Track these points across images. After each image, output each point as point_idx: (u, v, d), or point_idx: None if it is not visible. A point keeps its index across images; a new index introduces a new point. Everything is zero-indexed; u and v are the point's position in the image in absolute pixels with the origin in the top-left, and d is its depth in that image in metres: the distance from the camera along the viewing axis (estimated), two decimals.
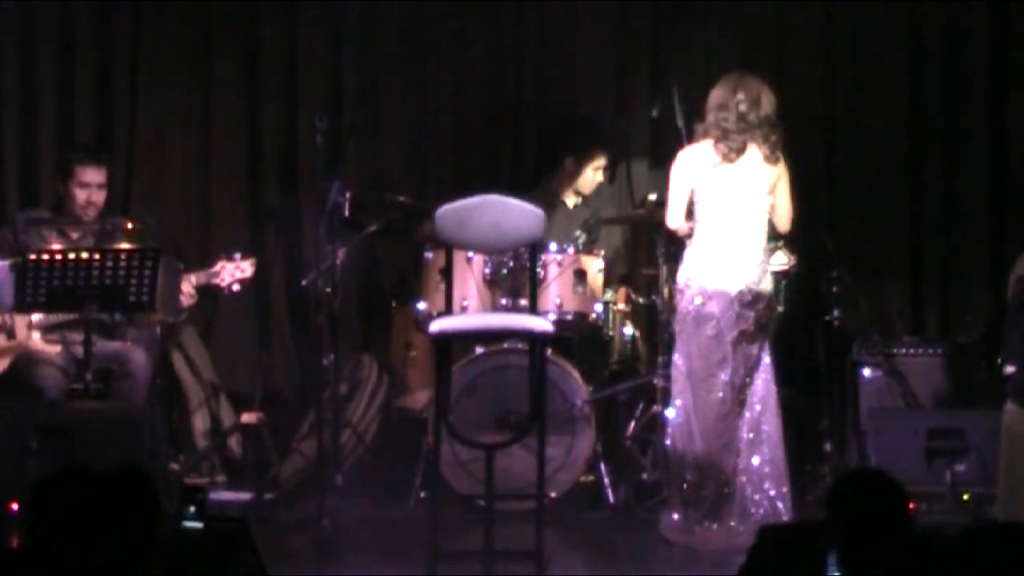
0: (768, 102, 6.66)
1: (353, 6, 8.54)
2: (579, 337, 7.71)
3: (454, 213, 6.37)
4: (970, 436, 7.09)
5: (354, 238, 7.60)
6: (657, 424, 7.26)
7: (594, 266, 7.49)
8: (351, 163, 7.54)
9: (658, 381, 7.32)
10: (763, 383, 6.69)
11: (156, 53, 8.43)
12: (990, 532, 4.00)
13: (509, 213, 6.40)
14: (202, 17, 8.48)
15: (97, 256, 6.61)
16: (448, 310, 6.58)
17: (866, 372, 7.73)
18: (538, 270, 6.84)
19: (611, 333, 7.80)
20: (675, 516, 6.66)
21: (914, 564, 3.69)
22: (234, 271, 7.40)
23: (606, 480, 7.33)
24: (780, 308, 7.26)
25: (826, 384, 7.89)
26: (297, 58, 8.54)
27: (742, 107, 6.63)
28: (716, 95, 6.71)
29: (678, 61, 8.41)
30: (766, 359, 6.71)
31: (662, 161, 7.64)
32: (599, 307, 7.50)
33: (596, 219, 8.02)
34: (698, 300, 6.63)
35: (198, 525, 4.27)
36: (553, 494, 7.04)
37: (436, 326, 6.33)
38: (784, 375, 6.95)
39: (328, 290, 7.11)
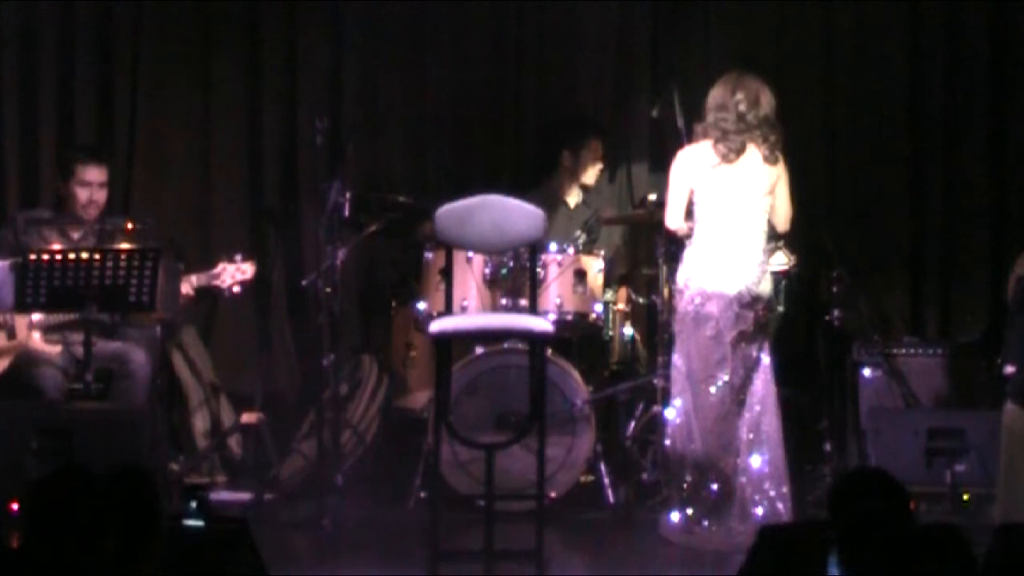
0: (767, 102, 6.65)
1: (353, 6, 8.53)
2: (579, 337, 7.71)
3: (454, 213, 6.37)
4: (970, 436, 7.08)
5: (354, 238, 7.60)
6: (657, 424, 7.25)
7: (594, 266, 7.49)
8: (351, 163, 7.54)
9: (658, 381, 7.32)
10: (762, 383, 6.69)
11: (156, 53, 8.43)
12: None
13: (509, 213, 6.40)
14: (202, 17, 8.48)
15: (97, 256, 6.61)
16: (448, 310, 6.58)
17: (866, 372, 7.72)
18: (538, 270, 6.84)
19: (611, 333, 7.80)
20: (675, 516, 6.66)
21: (914, 564, 3.69)
22: (234, 273, 7.41)
23: (606, 480, 7.33)
24: (780, 308, 7.27)
25: (826, 384, 7.89)
26: (297, 58, 8.54)
27: (741, 107, 6.63)
28: (715, 95, 6.71)
29: (678, 61, 8.41)
30: (765, 359, 6.71)
31: (662, 161, 7.64)
32: (599, 307, 7.50)
33: (596, 219, 8.03)
34: (697, 300, 6.63)
35: (199, 523, 4.27)
36: (553, 494, 7.04)
37: (436, 326, 6.33)
38: (784, 375, 6.95)
39: (328, 290, 7.12)
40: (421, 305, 7.47)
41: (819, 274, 7.84)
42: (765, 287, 6.69)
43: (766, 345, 6.72)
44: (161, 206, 8.26)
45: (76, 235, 7.42)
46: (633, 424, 7.61)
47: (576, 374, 7.31)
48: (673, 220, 6.77)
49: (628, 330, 7.90)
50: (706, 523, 6.60)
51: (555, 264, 7.37)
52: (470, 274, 7.33)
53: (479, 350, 7.33)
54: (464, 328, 6.71)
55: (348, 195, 7.22)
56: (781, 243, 7.14)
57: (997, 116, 8.48)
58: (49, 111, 8.36)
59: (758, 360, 6.69)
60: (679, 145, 6.94)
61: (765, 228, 6.69)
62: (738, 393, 6.63)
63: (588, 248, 7.65)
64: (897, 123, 8.54)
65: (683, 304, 6.68)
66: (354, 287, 8.30)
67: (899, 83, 8.52)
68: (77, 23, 8.38)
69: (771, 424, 6.67)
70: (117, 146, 8.33)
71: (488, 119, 8.68)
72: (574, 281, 7.40)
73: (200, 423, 8.03)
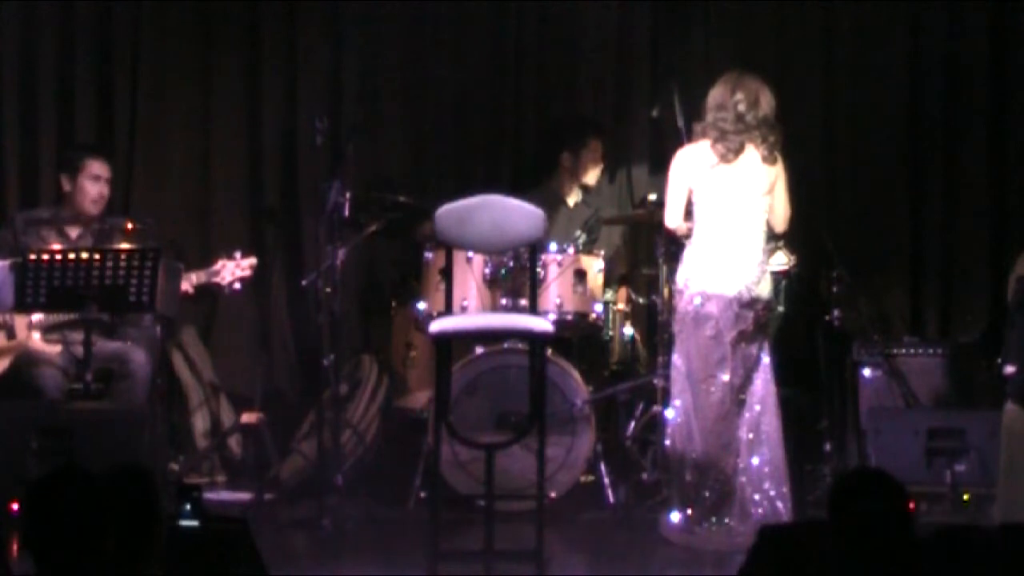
0: (767, 102, 6.65)
1: (353, 6, 8.54)
2: (579, 337, 7.71)
3: (454, 213, 6.37)
4: (970, 436, 7.08)
5: (354, 238, 7.60)
6: (657, 424, 7.25)
7: (594, 266, 7.49)
8: (351, 163, 7.54)
9: (658, 381, 7.32)
10: (762, 383, 6.69)
11: (156, 53, 8.44)
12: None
13: (509, 213, 6.40)
14: (202, 17, 8.48)
15: (97, 256, 6.61)
16: (448, 310, 6.58)
17: (866, 372, 7.72)
18: (538, 270, 6.84)
19: (611, 333, 7.80)
20: (675, 516, 6.66)
21: (914, 564, 3.69)
22: (234, 270, 7.42)
23: (606, 480, 7.33)
24: (780, 308, 7.27)
25: (826, 384, 7.88)
26: (297, 58, 8.54)
27: (740, 107, 6.63)
28: (714, 95, 6.70)
29: (678, 61, 8.41)
30: (765, 359, 6.71)
31: (662, 161, 7.63)
32: (599, 307, 7.50)
33: (596, 219, 8.03)
34: (697, 300, 6.63)
35: (194, 523, 4.27)
36: (553, 494, 7.04)
37: (436, 326, 6.33)
38: (784, 375, 6.95)
39: (328, 290, 7.12)
40: (421, 305, 7.47)
41: (819, 274, 7.84)
42: (764, 287, 6.68)
43: (766, 345, 6.72)
44: (161, 206, 8.26)
45: (75, 234, 7.42)
46: (633, 424, 7.61)
47: (576, 374, 7.31)
48: (672, 220, 6.77)
49: (628, 330, 7.91)
50: (706, 523, 6.60)
51: (555, 264, 7.37)
52: (470, 274, 7.33)
53: (479, 350, 7.33)
54: (464, 328, 6.71)
55: (348, 195, 7.22)
56: (781, 243, 7.14)
57: (997, 116, 8.48)
58: (49, 111, 8.36)
59: (758, 360, 6.69)
60: (679, 145, 6.94)
61: (764, 228, 6.68)
62: (738, 393, 6.63)
63: (588, 248, 7.65)
64: (897, 123, 8.54)
65: (683, 304, 6.68)
66: (354, 287, 8.31)
67: (899, 83, 8.52)
68: (77, 23, 8.38)
69: (771, 424, 6.67)
70: (117, 146, 8.33)
71: (488, 119, 8.68)
72: (574, 281, 7.40)
73: (200, 423, 8.03)
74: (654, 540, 6.69)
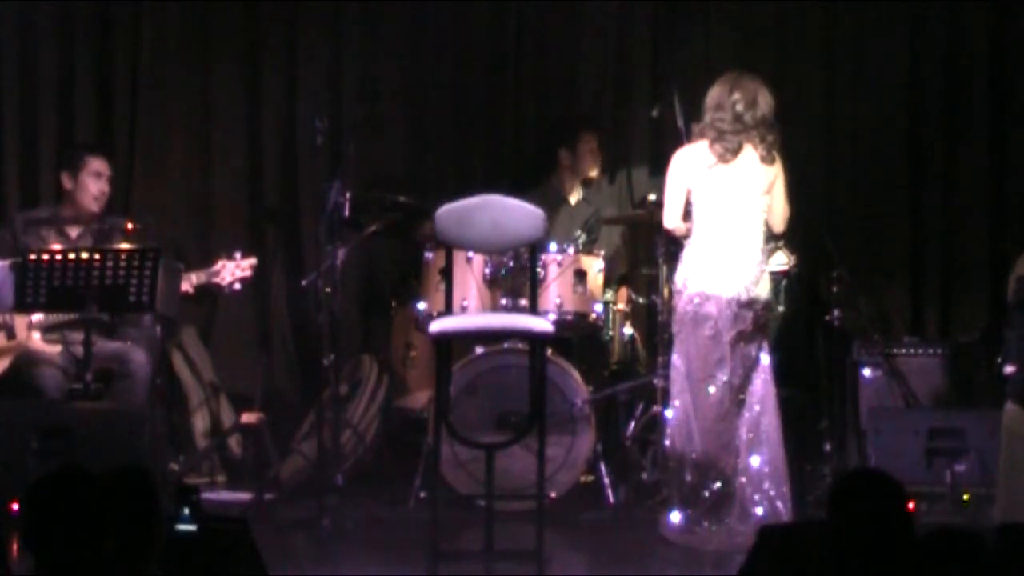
0: (765, 102, 6.64)
1: (353, 6, 8.54)
2: (579, 337, 7.71)
3: (454, 213, 6.37)
4: (970, 436, 7.08)
5: (354, 238, 7.60)
6: (657, 424, 7.25)
7: (594, 266, 7.49)
8: (351, 163, 7.54)
9: (658, 381, 7.32)
10: (762, 383, 6.68)
11: (156, 53, 8.43)
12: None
13: (509, 213, 6.40)
14: (202, 17, 8.48)
15: (97, 256, 6.61)
16: (448, 310, 6.58)
17: (866, 372, 7.72)
18: (538, 270, 6.84)
19: (611, 333, 7.80)
20: (675, 516, 6.65)
21: (914, 564, 3.69)
22: (234, 270, 7.42)
23: (606, 480, 7.32)
24: (780, 308, 7.26)
25: (826, 384, 7.88)
26: (297, 58, 8.54)
27: (738, 107, 6.62)
28: (713, 95, 6.70)
29: (678, 61, 8.41)
30: (765, 359, 6.71)
31: (662, 161, 7.62)
32: (599, 307, 7.50)
33: (596, 219, 8.03)
34: (696, 301, 6.62)
35: (192, 528, 4.26)
36: (553, 494, 7.04)
37: (436, 326, 6.33)
38: (784, 375, 6.95)
39: (328, 290, 7.12)
40: (421, 305, 7.47)
41: (819, 274, 7.84)
42: (763, 287, 6.68)
43: (765, 345, 6.72)
44: (161, 206, 8.26)
45: (75, 234, 7.42)
46: (633, 424, 7.61)
47: (576, 374, 7.31)
48: (671, 220, 6.76)
49: (628, 330, 7.91)
50: (706, 523, 6.59)
51: (555, 264, 7.37)
52: (470, 274, 7.33)
53: (479, 350, 7.33)
54: (464, 328, 6.71)
55: (348, 195, 7.21)
56: (781, 243, 7.14)
57: (997, 116, 8.48)
58: (49, 111, 8.36)
59: (757, 360, 6.68)
60: (679, 145, 6.93)
61: (763, 228, 6.68)
62: (737, 393, 6.63)
63: (588, 248, 7.65)
64: (897, 123, 8.54)
65: (682, 304, 6.67)
66: (354, 287, 8.31)
67: (899, 83, 8.52)
68: (77, 23, 8.38)
69: (771, 424, 6.66)
70: (117, 146, 8.33)
71: (488, 119, 8.68)
72: (574, 281, 7.40)
73: (200, 423, 8.03)
74: (654, 540, 6.69)
